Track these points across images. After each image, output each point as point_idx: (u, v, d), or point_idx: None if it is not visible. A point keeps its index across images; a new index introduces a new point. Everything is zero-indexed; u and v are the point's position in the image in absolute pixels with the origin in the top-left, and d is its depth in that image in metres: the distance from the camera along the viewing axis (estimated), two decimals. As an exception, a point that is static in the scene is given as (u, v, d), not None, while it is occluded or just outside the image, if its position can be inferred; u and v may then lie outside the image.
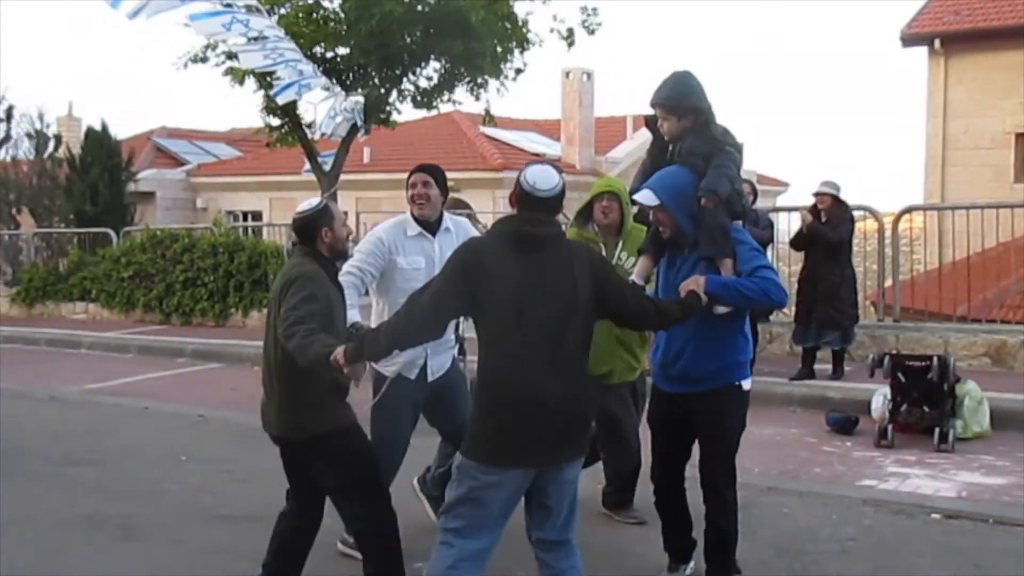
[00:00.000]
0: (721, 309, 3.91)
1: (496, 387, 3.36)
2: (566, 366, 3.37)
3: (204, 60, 13.71)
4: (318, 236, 4.00)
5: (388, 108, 14.15)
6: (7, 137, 22.26)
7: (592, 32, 13.94)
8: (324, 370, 3.52)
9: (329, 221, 4.02)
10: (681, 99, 4.01)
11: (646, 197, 3.98)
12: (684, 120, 4.01)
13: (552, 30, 13.96)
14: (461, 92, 14.39)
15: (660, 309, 3.77)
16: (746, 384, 4.20)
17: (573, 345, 3.40)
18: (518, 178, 3.50)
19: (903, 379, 7.22)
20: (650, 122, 4.20)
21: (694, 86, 4.03)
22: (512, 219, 3.50)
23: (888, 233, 10.28)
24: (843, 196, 8.90)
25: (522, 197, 3.46)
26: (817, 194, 8.92)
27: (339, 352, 3.43)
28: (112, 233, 17.42)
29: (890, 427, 7.08)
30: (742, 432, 4.31)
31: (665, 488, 4.38)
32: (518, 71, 14.19)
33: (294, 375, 3.82)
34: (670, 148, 4.10)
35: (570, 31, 13.82)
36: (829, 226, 8.74)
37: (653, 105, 4.07)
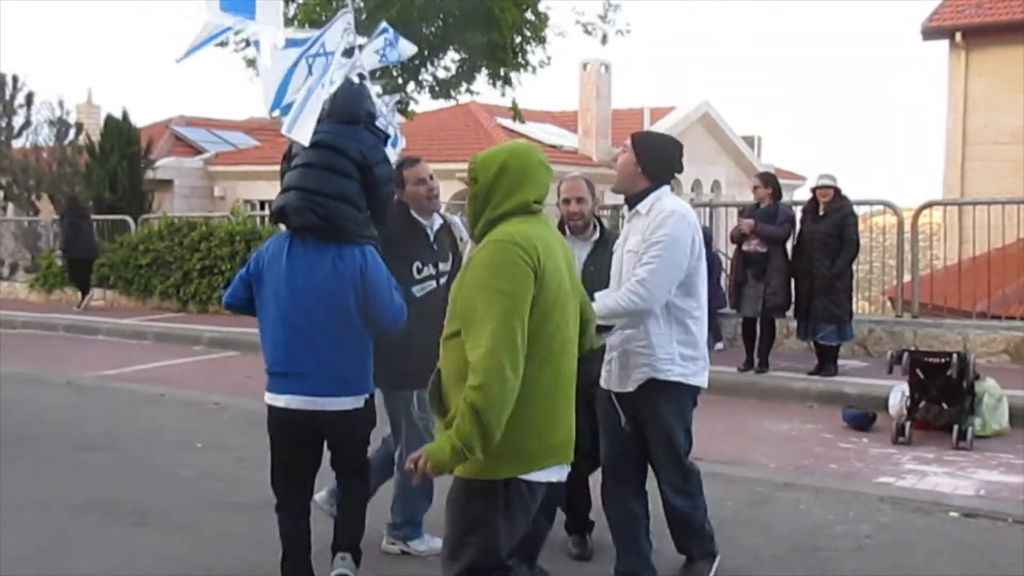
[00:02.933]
0: None
1: None
2: None
3: (224, 44, 13.68)
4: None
5: (406, 98, 14.12)
6: (27, 123, 22.40)
7: (623, 33, 13.89)
8: None
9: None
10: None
11: None
12: None
13: (577, 22, 13.91)
14: (479, 83, 14.35)
15: None
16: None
17: None
18: None
19: (922, 376, 7.17)
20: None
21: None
22: None
23: (907, 228, 10.20)
24: (844, 189, 8.95)
25: None
26: (819, 187, 8.92)
27: None
28: (130, 220, 17.50)
29: (908, 424, 7.03)
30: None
31: None
32: (541, 63, 14.13)
33: None
34: None
35: (594, 27, 13.74)
36: (810, 219, 8.87)
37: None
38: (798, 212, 9.55)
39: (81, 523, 5.30)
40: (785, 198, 9.76)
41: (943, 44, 16.55)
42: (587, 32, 13.93)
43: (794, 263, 8.97)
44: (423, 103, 15.11)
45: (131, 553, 4.86)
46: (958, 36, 16.06)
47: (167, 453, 6.87)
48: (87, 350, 12.46)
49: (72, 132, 22.03)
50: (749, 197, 9.39)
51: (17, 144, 22.44)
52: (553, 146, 23.37)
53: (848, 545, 4.84)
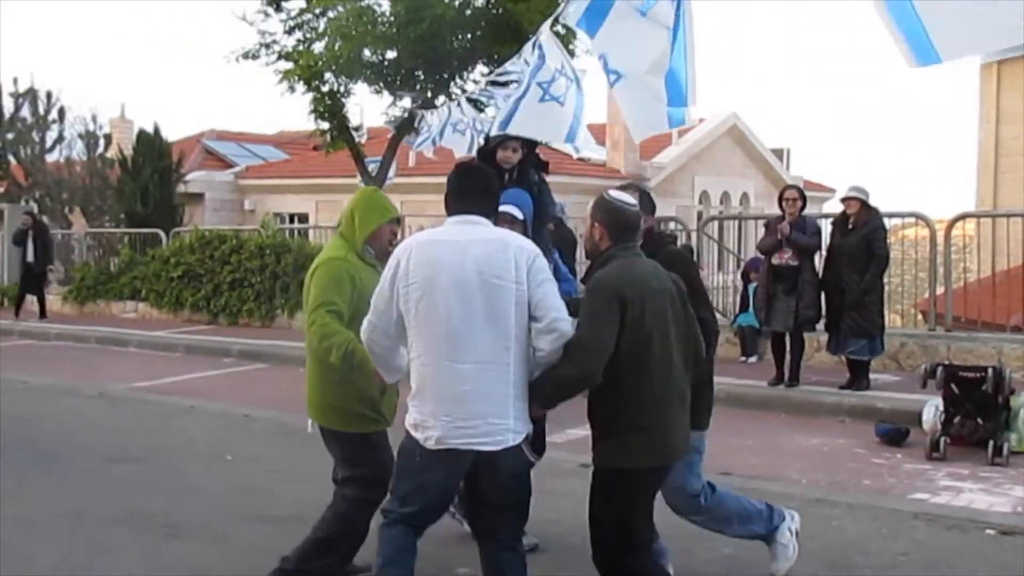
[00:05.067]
0: None
1: None
2: None
3: (255, 57, 13.78)
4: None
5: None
6: (60, 138, 22.71)
7: None
8: None
9: None
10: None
11: (515, 211, 4.66)
12: (520, 152, 5.13)
13: None
14: (507, 96, 14.38)
15: None
16: None
17: None
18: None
19: (956, 390, 7.07)
20: (484, 156, 5.22)
21: None
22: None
23: (940, 240, 10.10)
24: (875, 201, 8.85)
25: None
26: (844, 199, 8.87)
27: None
28: (162, 234, 17.68)
29: (942, 439, 6.94)
30: None
31: None
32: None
33: None
34: (506, 176, 5.00)
35: None
36: (839, 232, 8.82)
37: (501, 142, 5.17)
38: (825, 224, 9.50)
39: (112, 534, 5.33)
40: (815, 211, 9.69)
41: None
42: None
43: (824, 276, 8.91)
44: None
45: (161, 565, 4.88)
46: (990, 47, 15.90)
47: (198, 465, 6.91)
48: (119, 362, 12.57)
49: (102, 144, 22.29)
50: (777, 210, 9.29)
51: (50, 158, 22.76)
52: (581, 159, 23.35)
53: (882, 562, 4.78)
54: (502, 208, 4.63)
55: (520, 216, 4.68)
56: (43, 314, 16.74)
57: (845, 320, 8.64)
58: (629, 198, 3.85)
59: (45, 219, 21.69)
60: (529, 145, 5.21)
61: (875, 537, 5.15)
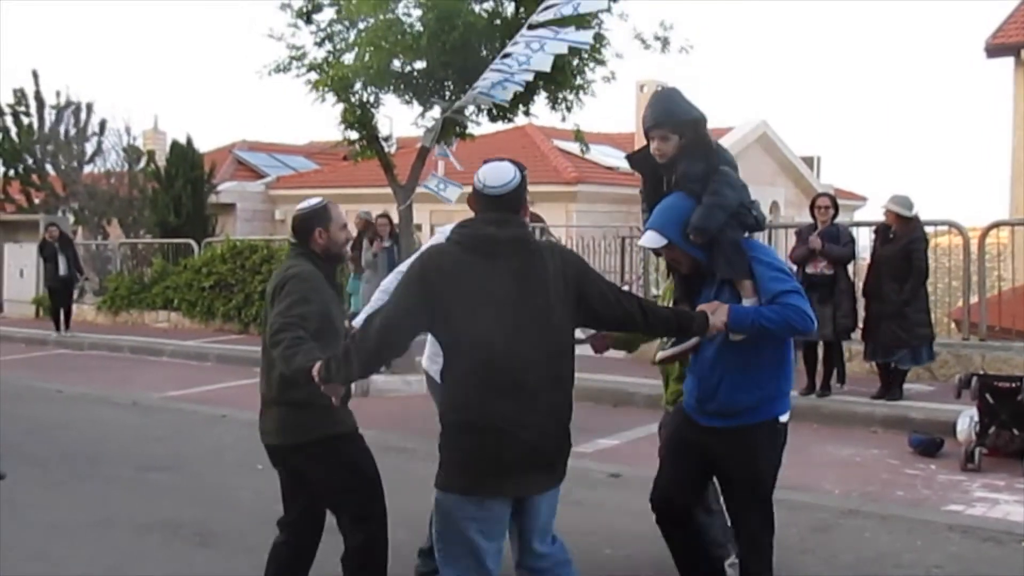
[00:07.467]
0: (737, 336, 3.54)
1: (463, 409, 3.19)
2: (543, 383, 3.17)
3: (287, 70, 13.88)
4: (312, 237, 4.00)
5: (466, 122, 14.17)
6: (99, 150, 23.01)
7: (686, 51, 13.75)
8: (307, 383, 3.43)
9: (325, 222, 4.00)
10: (671, 114, 3.73)
11: (652, 240, 3.66)
12: (681, 138, 3.70)
13: (636, 36, 13.79)
14: (537, 105, 14.35)
15: (647, 311, 3.44)
16: (784, 418, 3.68)
17: (552, 358, 3.20)
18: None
19: (991, 400, 6.98)
20: (635, 161, 3.93)
21: (679, 99, 3.78)
22: (471, 222, 3.33)
23: (974, 248, 9.98)
24: (915, 211, 8.71)
25: (476, 197, 3.36)
26: (884, 209, 8.81)
27: (316, 368, 3.34)
28: (194, 244, 17.84)
29: (977, 450, 6.85)
30: (778, 471, 3.73)
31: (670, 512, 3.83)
32: (604, 79, 14.06)
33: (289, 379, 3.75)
34: (665, 180, 3.77)
35: (665, 40, 13.60)
36: (881, 240, 8.77)
37: (647, 130, 3.77)
38: (855, 233, 9.43)
39: (145, 542, 5.37)
40: (846, 219, 9.62)
41: (1008, 61, 16.23)
42: (645, 46, 13.80)
43: (866, 284, 8.84)
44: (480, 125, 15.14)
45: (192, 573, 4.92)
46: (1023, 53, 15.75)
47: (229, 474, 6.95)
48: (152, 371, 12.69)
49: (144, 160, 22.52)
50: (809, 218, 9.23)
51: (87, 170, 23.04)
52: (610, 168, 23.36)
53: (917, 575, 4.72)
54: (640, 243, 3.81)
55: (659, 243, 3.69)
56: (67, 326, 16.32)
57: (884, 329, 8.54)
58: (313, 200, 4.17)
59: (81, 229, 22.07)
60: (691, 127, 3.74)
61: (909, 549, 5.08)
